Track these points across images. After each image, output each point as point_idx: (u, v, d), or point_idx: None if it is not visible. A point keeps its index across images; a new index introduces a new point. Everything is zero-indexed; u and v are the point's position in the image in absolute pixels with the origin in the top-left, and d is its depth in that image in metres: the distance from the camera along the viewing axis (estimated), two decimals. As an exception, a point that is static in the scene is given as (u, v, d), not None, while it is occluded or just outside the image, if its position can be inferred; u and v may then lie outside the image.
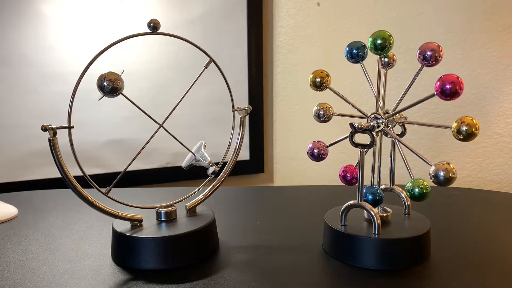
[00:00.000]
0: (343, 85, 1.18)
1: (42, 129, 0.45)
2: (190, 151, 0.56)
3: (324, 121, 0.57)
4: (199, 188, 0.58)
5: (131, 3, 1.02)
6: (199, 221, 0.54)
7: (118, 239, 0.52)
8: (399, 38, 1.14)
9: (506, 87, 1.16)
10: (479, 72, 1.16)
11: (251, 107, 0.58)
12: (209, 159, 0.56)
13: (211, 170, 0.56)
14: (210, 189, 0.58)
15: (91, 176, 0.49)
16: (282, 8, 1.20)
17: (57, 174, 0.47)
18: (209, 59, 0.54)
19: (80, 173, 0.49)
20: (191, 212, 0.57)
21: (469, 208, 0.75)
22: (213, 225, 0.55)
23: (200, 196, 0.57)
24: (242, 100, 1.18)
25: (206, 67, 0.54)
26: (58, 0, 0.95)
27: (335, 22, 1.20)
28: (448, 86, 0.45)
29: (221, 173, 0.58)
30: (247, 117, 0.59)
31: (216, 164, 0.56)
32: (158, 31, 0.50)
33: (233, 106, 0.57)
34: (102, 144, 1.04)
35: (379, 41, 0.50)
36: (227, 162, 0.59)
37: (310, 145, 0.56)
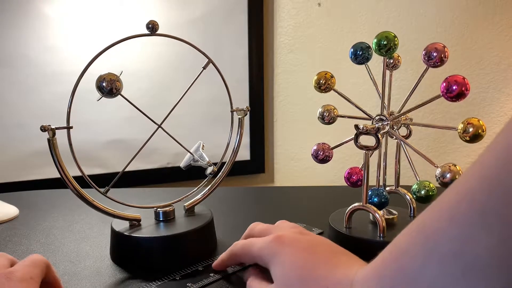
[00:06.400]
0: (344, 86, 1.18)
1: (41, 129, 0.45)
2: (189, 152, 0.56)
3: (329, 123, 0.56)
4: (197, 188, 0.58)
5: (132, 3, 1.01)
6: (197, 220, 0.54)
7: (117, 238, 0.52)
8: (400, 38, 1.13)
9: (507, 87, 1.16)
10: (480, 72, 1.16)
11: (249, 108, 0.58)
12: (207, 160, 0.56)
13: (209, 170, 0.56)
14: (209, 189, 0.58)
15: (92, 176, 0.49)
16: (283, 8, 1.20)
17: (58, 174, 0.46)
18: (207, 59, 0.54)
19: (80, 173, 0.49)
20: (190, 212, 0.57)
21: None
22: (211, 225, 0.55)
23: (199, 196, 0.57)
24: (243, 100, 1.18)
25: (204, 68, 0.54)
26: (59, 0, 0.95)
27: (336, 22, 1.19)
28: (454, 87, 0.45)
29: (220, 173, 0.58)
30: (247, 117, 0.58)
31: (215, 164, 0.56)
32: (157, 32, 0.49)
33: (231, 107, 0.57)
34: (103, 144, 1.04)
35: (384, 42, 0.50)
36: (225, 162, 0.59)
37: (315, 147, 0.55)
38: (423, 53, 0.49)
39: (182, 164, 0.57)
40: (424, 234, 0.27)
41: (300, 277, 0.36)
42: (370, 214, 0.53)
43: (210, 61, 0.54)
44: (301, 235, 0.41)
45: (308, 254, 0.38)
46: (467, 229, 0.24)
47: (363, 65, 0.54)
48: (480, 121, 0.45)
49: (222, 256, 0.47)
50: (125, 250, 0.51)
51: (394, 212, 0.56)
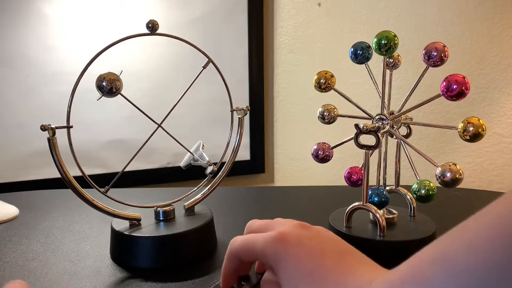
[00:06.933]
0: (344, 86, 1.18)
1: (41, 128, 0.45)
2: (189, 151, 0.56)
3: (329, 122, 0.56)
4: (197, 188, 0.58)
5: (132, 3, 1.01)
6: (197, 220, 0.54)
7: (117, 238, 0.52)
8: (400, 38, 1.13)
9: (507, 87, 1.16)
10: (480, 72, 1.16)
11: (249, 107, 0.58)
12: (207, 159, 0.56)
13: (209, 169, 0.56)
14: (209, 189, 0.58)
15: (92, 176, 0.49)
16: (283, 8, 1.20)
17: (58, 174, 0.46)
18: (207, 59, 0.54)
19: (81, 173, 0.49)
20: (190, 211, 0.57)
21: (472, 209, 0.74)
22: (211, 224, 0.55)
23: (199, 196, 0.57)
24: (243, 100, 1.18)
25: (204, 67, 0.54)
26: (59, 0, 0.95)
27: (336, 22, 1.19)
28: (454, 87, 0.45)
29: (220, 173, 0.58)
30: (246, 117, 0.58)
31: (215, 164, 0.56)
32: (157, 32, 0.49)
33: (231, 106, 0.57)
34: (103, 144, 1.03)
35: (384, 42, 0.50)
36: (225, 162, 0.59)
37: (315, 147, 0.55)
38: (423, 52, 0.49)
39: (182, 163, 0.57)
40: (450, 266, 0.26)
41: (308, 284, 0.34)
42: (370, 213, 0.53)
43: (210, 60, 0.54)
44: (304, 230, 0.39)
45: (315, 258, 0.35)
46: (497, 270, 0.24)
47: (363, 65, 0.54)
48: (480, 120, 0.45)
49: (223, 266, 0.42)
50: (125, 249, 0.51)
51: (394, 211, 0.56)
